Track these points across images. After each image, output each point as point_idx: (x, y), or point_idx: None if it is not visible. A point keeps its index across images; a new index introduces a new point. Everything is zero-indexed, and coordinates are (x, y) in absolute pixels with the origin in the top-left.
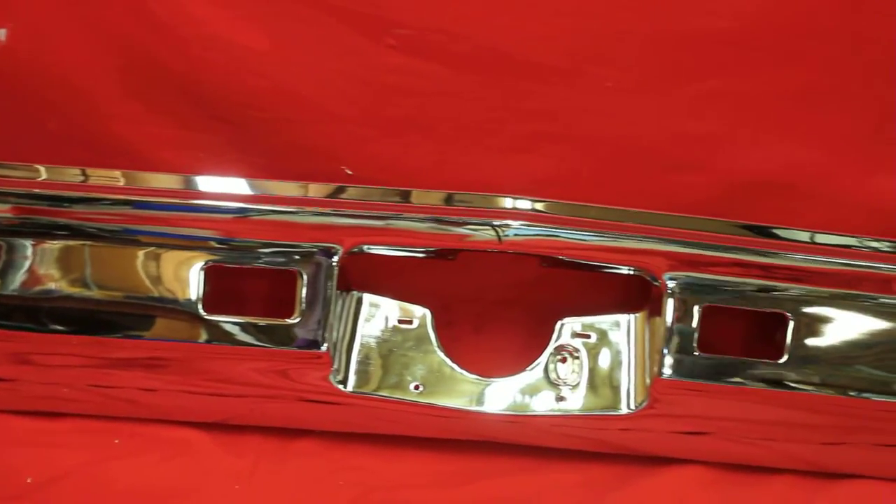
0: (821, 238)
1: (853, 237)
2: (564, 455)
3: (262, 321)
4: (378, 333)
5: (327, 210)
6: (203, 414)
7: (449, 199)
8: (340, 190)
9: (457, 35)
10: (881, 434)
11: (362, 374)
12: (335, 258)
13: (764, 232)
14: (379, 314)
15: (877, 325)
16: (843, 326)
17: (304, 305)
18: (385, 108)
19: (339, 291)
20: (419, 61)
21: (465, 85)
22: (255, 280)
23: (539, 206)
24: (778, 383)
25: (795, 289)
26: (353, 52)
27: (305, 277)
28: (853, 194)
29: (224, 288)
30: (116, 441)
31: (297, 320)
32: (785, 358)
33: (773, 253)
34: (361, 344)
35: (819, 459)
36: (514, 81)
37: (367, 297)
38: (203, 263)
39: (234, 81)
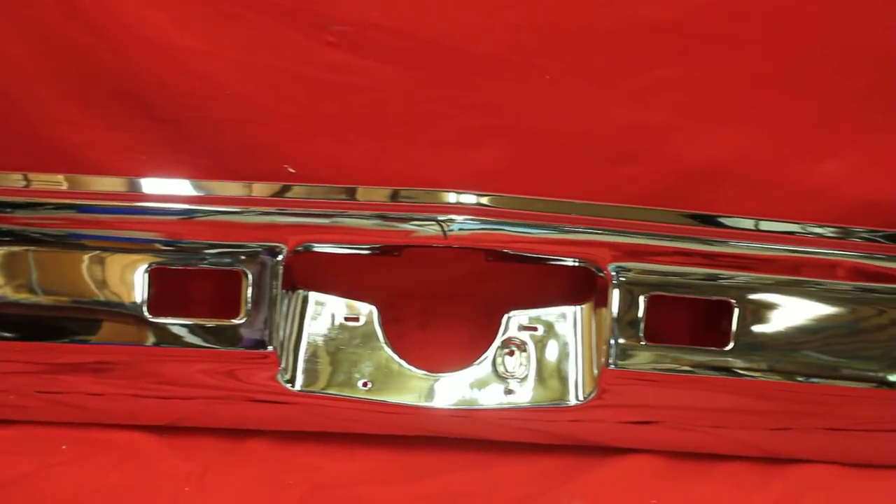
0: (765, 225)
1: (797, 224)
2: (515, 448)
3: (207, 322)
4: (325, 331)
5: (271, 209)
6: (151, 417)
7: (394, 196)
8: (286, 189)
9: (396, 30)
10: (829, 418)
11: (310, 373)
12: (280, 257)
13: (709, 220)
14: (325, 312)
15: (822, 310)
16: (789, 312)
17: (249, 305)
18: (325, 105)
19: (284, 291)
20: (359, 57)
21: (406, 80)
22: (200, 281)
23: (484, 200)
24: (725, 370)
25: (740, 276)
26: (292, 49)
27: (250, 277)
28: (799, 182)
29: (169, 290)
30: (64, 447)
31: (243, 321)
32: (731, 345)
33: (718, 241)
34: (308, 342)
35: (768, 445)
36: (456, 76)
37: (313, 296)
38: (147, 266)
39: (172, 82)
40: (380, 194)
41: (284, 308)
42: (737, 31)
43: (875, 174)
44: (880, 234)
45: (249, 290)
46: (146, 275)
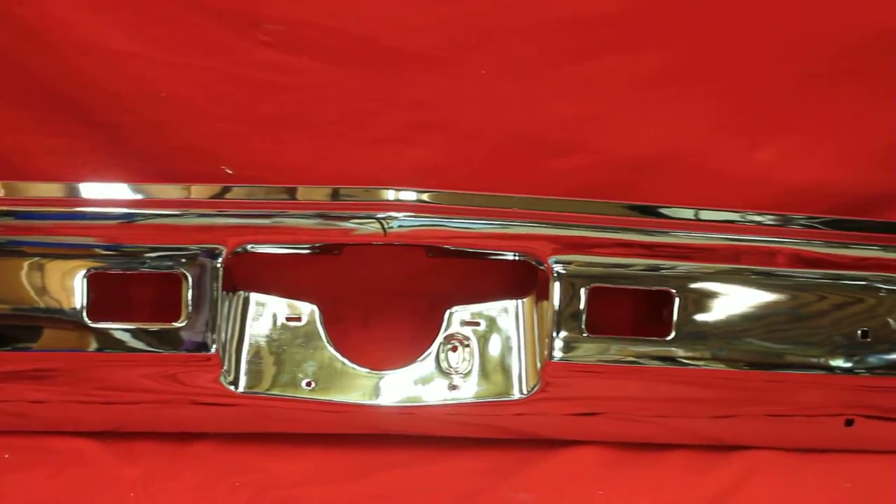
0: (705, 214)
1: (736, 212)
2: (460, 443)
3: (148, 326)
4: (267, 332)
5: (210, 211)
6: (94, 423)
7: (335, 194)
8: (226, 190)
9: (330, 28)
10: (772, 405)
11: (253, 374)
12: (219, 259)
13: (648, 211)
14: (267, 313)
15: (763, 297)
16: (730, 301)
17: (190, 308)
18: (260, 105)
19: (225, 292)
20: (293, 56)
21: (341, 78)
22: (141, 285)
23: (425, 196)
24: (667, 360)
25: (681, 266)
26: (225, 50)
27: (190, 280)
28: (735, 170)
29: (110, 295)
30: (6, 456)
31: (185, 324)
32: (672, 335)
33: (658, 231)
34: (250, 344)
35: (712, 433)
36: (391, 72)
37: (254, 297)
38: (86, 271)
39: (106, 85)
40: (320, 193)
41: (226, 310)
42: (669, 22)
43: (810, 160)
44: (818, 220)
45: (190, 293)
46: (85, 280)
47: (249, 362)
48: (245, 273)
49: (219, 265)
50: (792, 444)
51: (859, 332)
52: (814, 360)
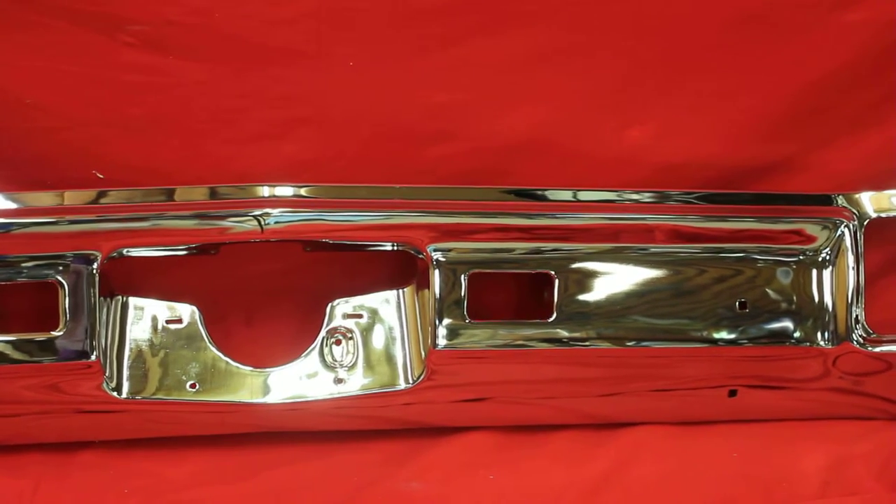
0: (583, 195)
1: (613, 191)
2: (349, 436)
3: (26, 336)
4: (148, 336)
5: (83, 217)
6: None
7: (213, 194)
8: (102, 195)
9: (195, 26)
10: (656, 380)
11: (136, 379)
12: (95, 265)
13: (525, 195)
14: (146, 316)
15: (643, 274)
16: (611, 279)
17: (68, 316)
18: (128, 107)
19: (102, 298)
20: (158, 56)
21: (209, 76)
22: (18, 295)
23: (301, 191)
24: (550, 342)
25: (560, 247)
26: (91, 53)
27: (67, 288)
28: (608, 149)
29: None
30: None
31: (63, 332)
32: (554, 316)
33: (535, 214)
34: (131, 348)
35: (598, 411)
36: (259, 68)
37: (133, 301)
38: None
39: None
40: (198, 193)
41: (104, 316)
42: (534, 5)
43: (680, 136)
44: (694, 195)
45: (67, 301)
46: None
47: (131, 367)
48: (122, 277)
49: (94, 271)
50: (678, 418)
51: (737, 303)
52: (696, 333)
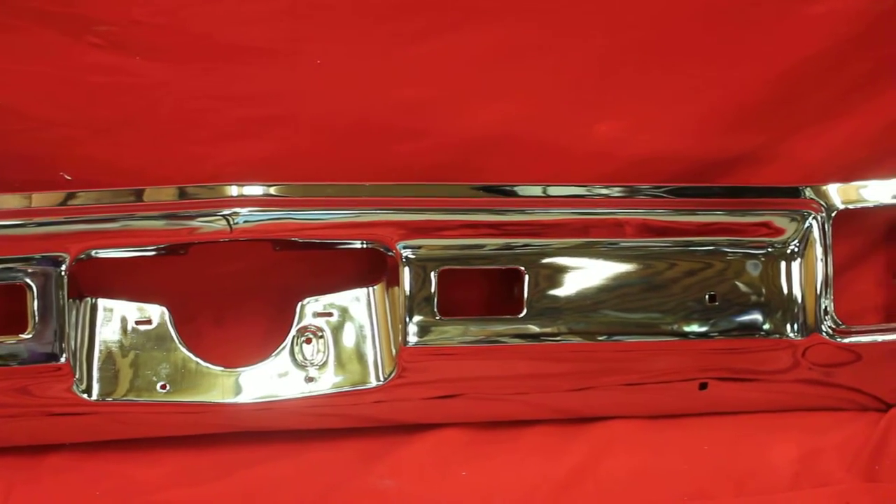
0: (553, 190)
1: (583, 186)
2: (321, 435)
3: None
4: (117, 338)
5: (51, 219)
6: None
7: (182, 194)
8: (71, 196)
9: (161, 26)
10: (627, 374)
11: (106, 381)
12: (63, 267)
13: (495, 190)
14: (116, 318)
15: (614, 268)
16: (581, 274)
17: (37, 319)
18: (96, 108)
19: (72, 300)
20: (126, 57)
21: (178, 76)
22: None
23: (270, 190)
24: (521, 337)
25: (530, 243)
26: (55, 54)
27: (35, 290)
28: (579, 144)
29: None
30: None
31: (32, 335)
32: (525, 312)
33: (505, 210)
34: (101, 350)
35: (570, 406)
36: (229, 67)
37: (102, 302)
38: None
39: None
40: (167, 194)
41: (73, 318)
42: (503, 0)
43: (650, 131)
44: (663, 189)
45: (35, 304)
46: None
47: (101, 369)
48: (91, 279)
49: (63, 273)
50: (649, 412)
51: (707, 296)
52: (666, 327)
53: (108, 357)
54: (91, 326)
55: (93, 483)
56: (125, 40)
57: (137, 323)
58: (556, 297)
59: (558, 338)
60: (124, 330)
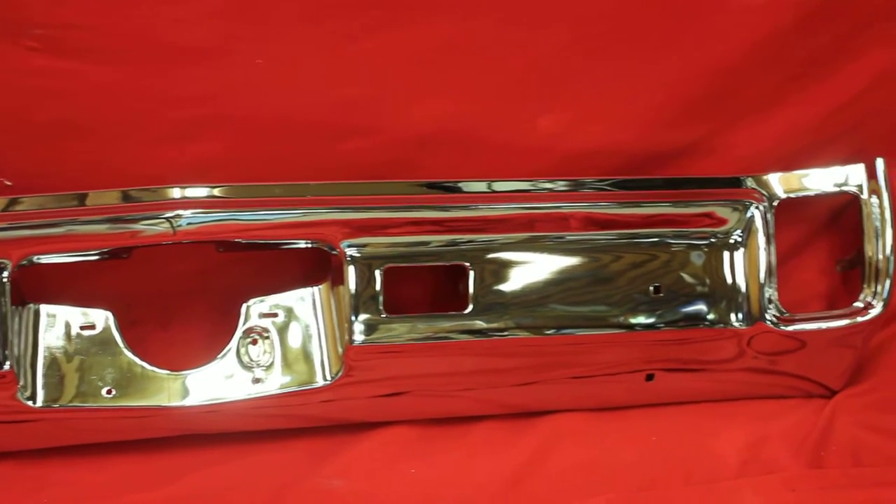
0: (498, 186)
1: (528, 181)
2: (270, 436)
3: None
4: (61, 343)
5: None
6: None
7: (126, 197)
8: (14, 202)
9: (97, 28)
10: (574, 367)
11: (51, 387)
12: (5, 273)
13: (440, 187)
14: (59, 324)
15: (559, 262)
16: (526, 269)
17: None
18: (34, 112)
19: (14, 307)
20: (63, 60)
21: (115, 78)
22: None
23: (214, 191)
24: (467, 333)
25: (475, 239)
26: None
27: None
28: (519, 139)
29: None
30: None
31: None
32: (470, 308)
33: (449, 207)
34: (45, 357)
35: (518, 401)
36: (166, 69)
37: (45, 308)
38: None
39: None
40: (109, 197)
41: (16, 324)
42: None
43: (590, 124)
44: (607, 182)
45: None
46: None
47: (46, 376)
48: (34, 285)
49: (5, 280)
50: (596, 404)
51: (652, 287)
52: (612, 319)
53: (53, 363)
54: (34, 333)
55: (39, 491)
56: (62, 44)
57: (82, 328)
58: (501, 293)
59: (505, 333)
60: (68, 335)
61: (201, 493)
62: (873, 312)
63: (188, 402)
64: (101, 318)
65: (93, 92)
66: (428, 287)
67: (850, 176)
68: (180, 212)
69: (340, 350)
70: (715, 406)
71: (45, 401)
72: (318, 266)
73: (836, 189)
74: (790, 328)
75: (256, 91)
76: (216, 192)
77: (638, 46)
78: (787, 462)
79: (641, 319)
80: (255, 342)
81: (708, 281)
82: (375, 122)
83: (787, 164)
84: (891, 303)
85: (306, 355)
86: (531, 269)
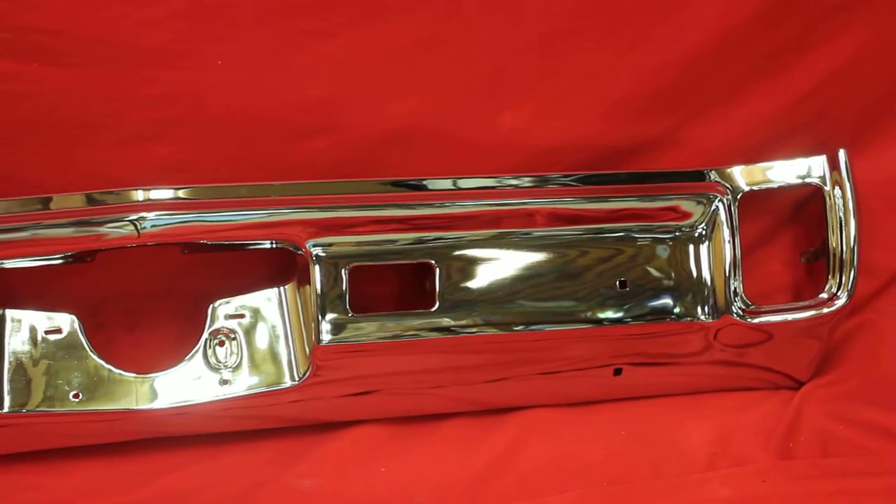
0: (463, 183)
1: (493, 177)
2: (239, 437)
3: None
4: (27, 348)
5: None
6: None
7: (90, 200)
8: None
9: (57, 31)
10: (542, 363)
11: (18, 392)
12: None
13: (405, 185)
14: (24, 328)
15: (526, 258)
16: (493, 265)
17: None
18: None
19: None
20: (23, 64)
21: (76, 81)
22: None
23: (179, 192)
24: (435, 331)
25: (441, 236)
26: None
27: None
28: (483, 136)
29: None
30: None
31: None
32: (437, 305)
33: (414, 205)
34: (10, 362)
35: (487, 397)
36: (128, 71)
37: (10, 313)
38: None
39: None
40: (74, 201)
41: None
42: None
43: (553, 120)
44: (572, 177)
45: None
46: None
47: (12, 381)
48: None
49: None
50: (565, 400)
51: (618, 282)
52: (579, 314)
53: (19, 368)
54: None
55: (7, 497)
56: (21, 47)
57: (47, 332)
58: (468, 290)
59: (472, 329)
60: (34, 340)
61: (171, 496)
62: (838, 303)
63: (156, 404)
64: (67, 321)
65: (57, 94)
66: (394, 285)
67: (813, 167)
68: (144, 214)
69: (308, 350)
70: (683, 399)
71: (11, 406)
72: (283, 266)
73: (799, 181)
74: (756, 320)
75: (222, 92)
76: (180, 193)
77: (602, 41)
78: (756, 454)
79: (608, 314)
80: (222, 343)
81: (674, 274)
82: (341, 120)
83: (752, 156)
84: (855, 293)
85: (274, 356)
86: (498, 265)
